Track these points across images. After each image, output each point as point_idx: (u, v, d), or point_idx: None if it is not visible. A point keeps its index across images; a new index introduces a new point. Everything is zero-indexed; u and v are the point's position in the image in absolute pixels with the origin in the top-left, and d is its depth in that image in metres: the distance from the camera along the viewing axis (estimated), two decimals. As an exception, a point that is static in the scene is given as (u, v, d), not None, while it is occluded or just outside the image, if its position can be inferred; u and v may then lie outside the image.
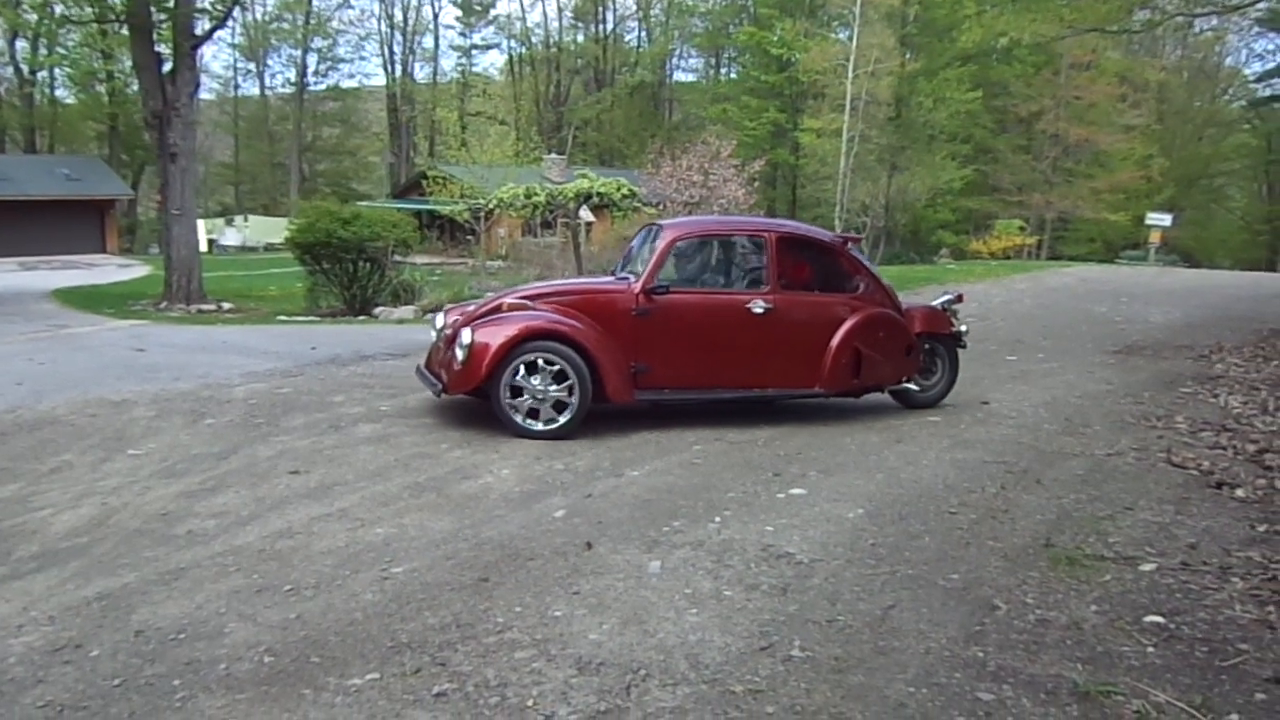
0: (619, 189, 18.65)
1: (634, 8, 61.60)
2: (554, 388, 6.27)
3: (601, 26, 61.63)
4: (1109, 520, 4.65)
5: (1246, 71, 57.33)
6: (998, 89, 44.92)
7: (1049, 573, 3.92)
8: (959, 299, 8.09)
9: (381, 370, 9.03)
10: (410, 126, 60.48)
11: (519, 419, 6.25)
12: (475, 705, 2.79)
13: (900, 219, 39.55)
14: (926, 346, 7.52)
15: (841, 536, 4.33)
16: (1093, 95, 43.39)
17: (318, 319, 15.79)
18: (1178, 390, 8.44)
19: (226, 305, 18.44)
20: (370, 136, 66.26)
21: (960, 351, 7.78)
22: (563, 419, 6.29)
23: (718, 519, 4.55)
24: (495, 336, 6.25)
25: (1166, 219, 38.43)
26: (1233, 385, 8.65)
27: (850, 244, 7.60)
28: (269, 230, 42.52)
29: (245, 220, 47.06)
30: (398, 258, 17.76)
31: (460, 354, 6.30)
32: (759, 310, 6.73)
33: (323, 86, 62.08)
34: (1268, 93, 55.84)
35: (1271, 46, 54.74)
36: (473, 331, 6.33)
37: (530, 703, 2.80)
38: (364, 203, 35.87)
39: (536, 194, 18.80)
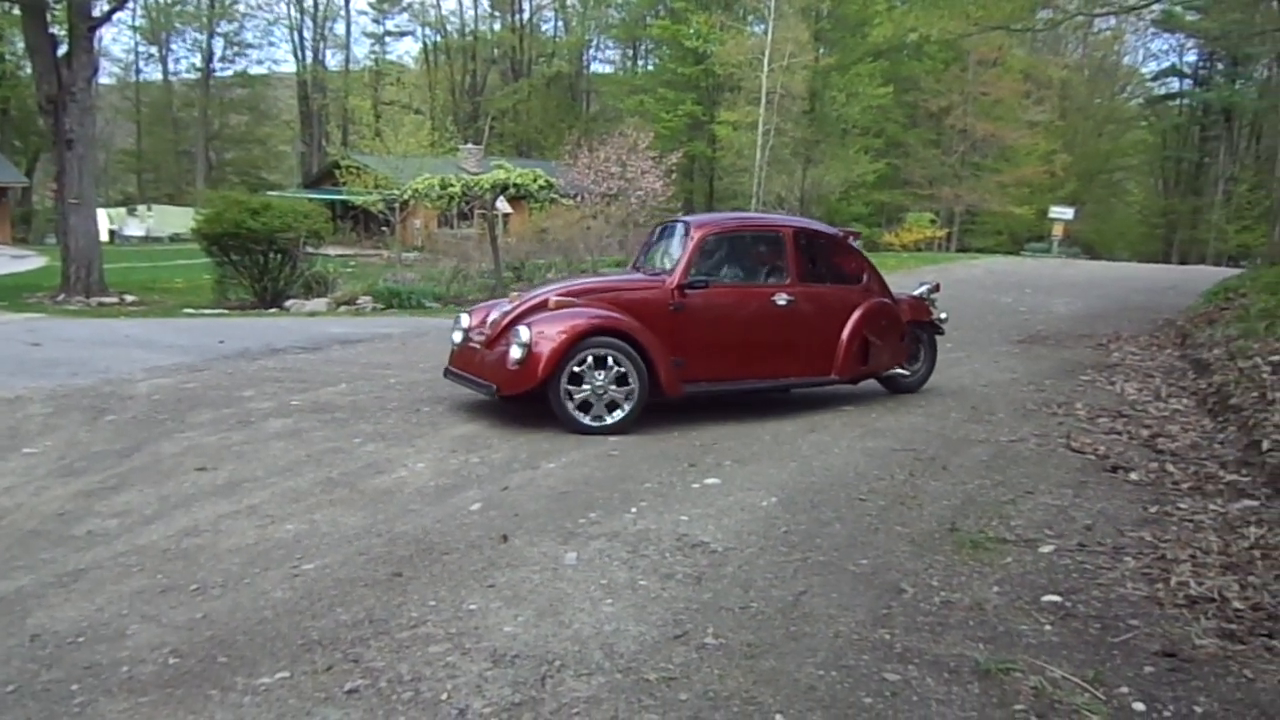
0: (536, 180, 18.53)
1: (551, -3, 61.24)
2: (613, 384, 6.25)
3: (518, 16, 61.14)
4: (1011, 504, 4.80)
5: (1143, 70, 59.79)
6: (908, 84, 45.89)
7: (954, 556, 4.04)
8: (937, 288, 8.49)
9: (293, 364, 8.84)
10: (322, 115, 59.19)
11: (578, 415, 6.20)
12: (388, 701, 2.77)
13: (815, 212, 40.13)
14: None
15: (755, 525, 4.39)
16: (999, 92, 44.71)
17: (226, 312, 15.41)
18: (1078, 378, 8.76)
19: (129, 298, 17.87)
20: (280, 125, 64.73)
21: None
22: (621, 414, 6.28)
23: (633, 510, 4.57)
24: (555, 334, 6.15)
25: (1069, 212, 39.87)
26: (1129, 373, 9.01)
27: (851, 238, 7.96)
28: (175, 220, 41.21)
29: (149, 210, 45.50)
30: (310, 249, 17.44)
31: (517, 353, 6.15)
32: (782, 302, 6.94)
33: (230, 72, 60.44)
34: (1163, 91, 58.26)
35: (1166, 46, 57.03)
36: (530, 329, 6.20)
37: (444, 696, 2.79)
38: (274, 192, 35.08)
39: (452, 185, 18.57)
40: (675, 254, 6.95)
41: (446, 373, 7.08)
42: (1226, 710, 2.80)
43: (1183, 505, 4.78)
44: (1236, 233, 46.54)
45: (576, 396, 6.20)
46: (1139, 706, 2.81)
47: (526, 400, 6.39)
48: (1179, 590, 3.66)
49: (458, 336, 7.06)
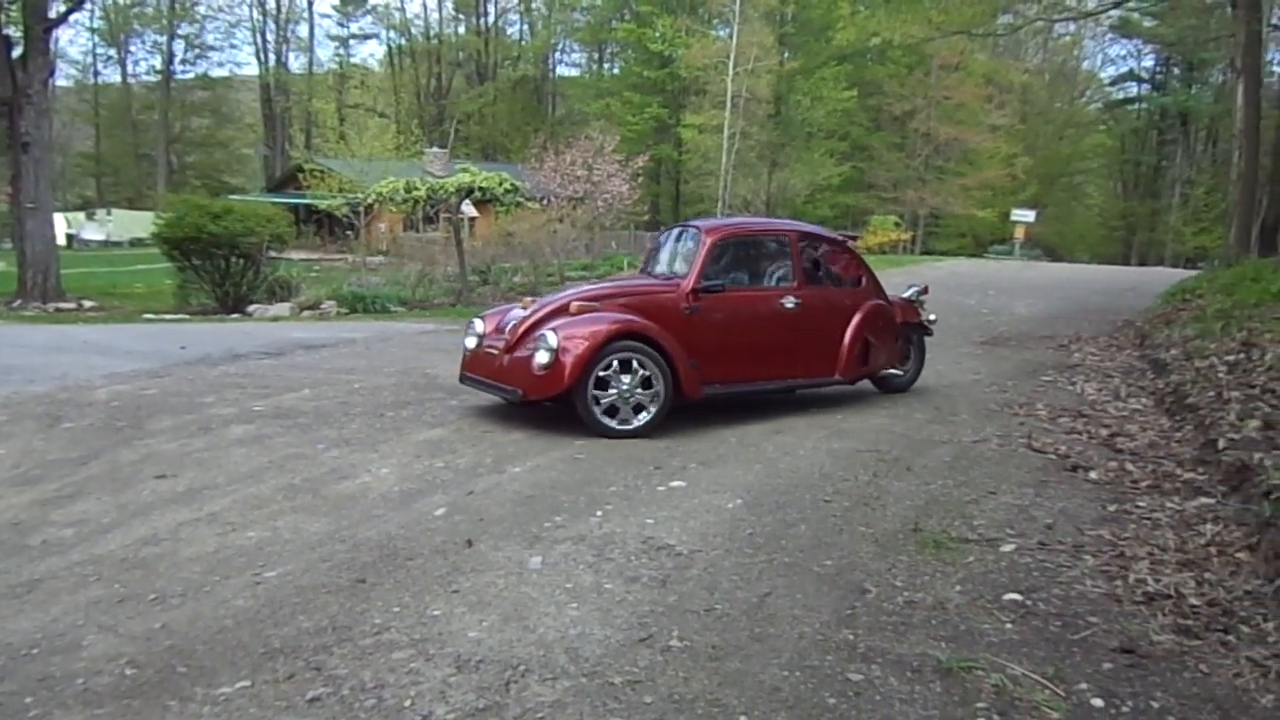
0: (502, 183, 18.48)
1: (515, 1, 61.10)
2: (639, 387, 6.27)
3: (483, 19, 60.96)
4: (973, 504, 4.85)
5: (1102, 75, 60.74)
6: (872, 88, 46.33)
7: (917, 556, 4.07)
8: (925, 290, 8.73)
9: (256, 370, 8.75)
10: (285, 118, 58.78)
11: (603, 419, 6.20)
12: (351, 709, 2.74)
13: (781, 215, 40.37)
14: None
15: (720, 527, 4.40)
16: (961, 96, 45.22)
17: (188, 317, 15.23)
18: (1039, 379, 8.86)
19: (88, 303, 17.64)
20: (243, 128, 64.06)
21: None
22: (646, 417, 6.31)
23: (599, 513, 4.56)
24: (582, 338, 6.14)
25: (1030, 215, 40.34)
26: (1089, 373, 9.13)
27: (850, 242, 8.19)
28: (135, 224, 40.70)
29: (108, 214, 44.88)
30: (273, 253, 17.29)
31: (544, 357, 6.13)
32: (790, 305, 7.06)
33: (191, 75, 59.74)
34: (1121, 95, 59.22)
35: (1124, 52, 57.94)
36: (557, 334, 6.18)
37: (408, 703, 2.77)
38: (237, 196, 34.70)
39: (417, 188, 18.47)
40: (686, 259, 7.05)
41: (463, 378, 7.06)
42: (1183, 705, 2.84)
43: (1141, 503, 4.84)
44: (1194, 235, 47.38)
45: (602, 400, 6.22)
46: (1098, 703, 2.84)
47: (528, 405, 6.44)
48: (1137, 587, 3.71)
49: (471, 342, 7.04)
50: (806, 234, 7.62)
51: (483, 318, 7.25)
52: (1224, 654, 3.16)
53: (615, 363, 6.20)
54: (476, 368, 6.90)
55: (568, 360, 6.09)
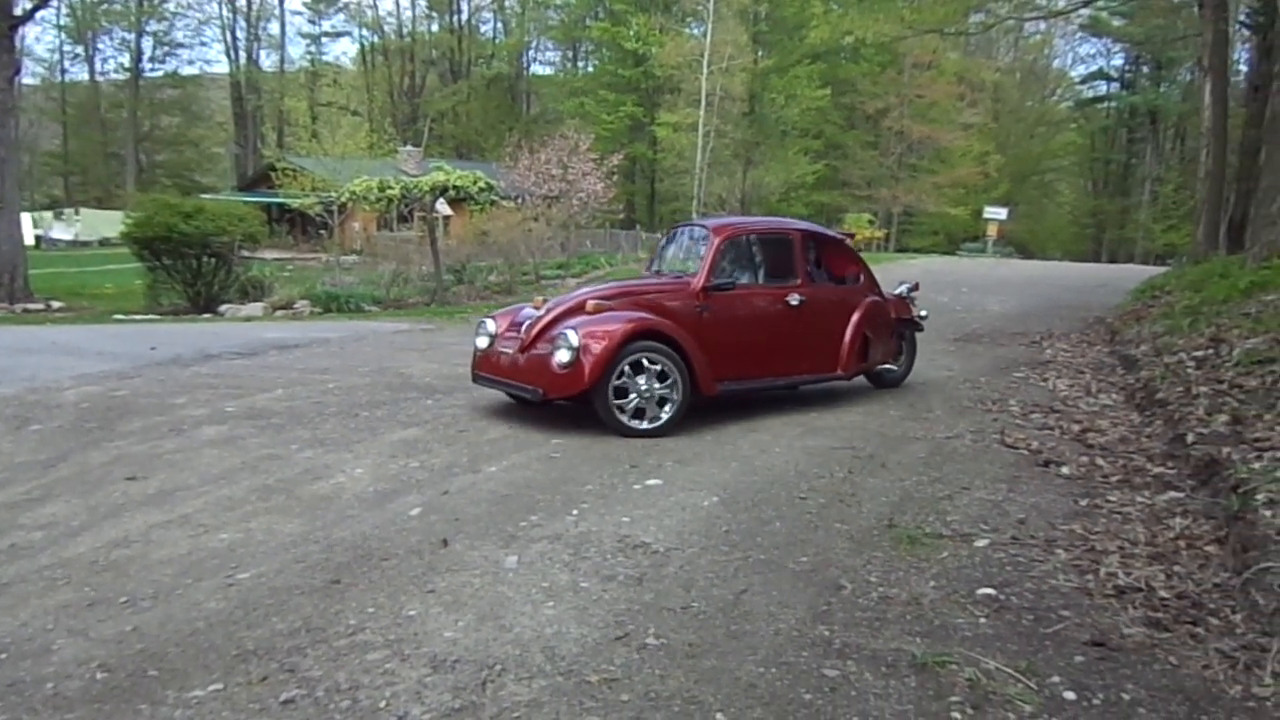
0: (476, 182, 18.42)
1: (489, -2, 60.92)
2: (657, 386, 6.30)
3: (456, 17, 60.68)
4: (947, 500, 4.88)
5: (1072, 74, 61.32)
6: (846, 87, 46.54)
7: (892, 552, 4.09)
8: (916, 287, 8.88)
9: (228, 370, 8.67)
10: (257, 116, 58.19)
11: (624, 419, 6.20)
12: (325, 710, 2.72)
13: (756, 213, 40.48)
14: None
15: (696, 525, 4.40)
16: (934, 94, 45.58)
17: (159, 317, 15.09)
18: (1011, 375, 8.93)
19: (56, 304, 17.44)
20: (214, 126, 63.46)
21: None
22: (665, 415, 6.33)
23: (575, 512, 4.56)
24: (603, 337, 6.15)
25: (1002, 213, 40.73)
26: (1061, 369, 9.22)
27: (848, 239, 8.34)
28: (104, 224, 40.24)
29: (76, 213, 44.33)
30: (245, 253, 17.15)
31: (565, 356, 6.12)
32: (795, 303, 7.14)
33: (160, 73, 59.07)
34: (1091, 94, 59.81)
35: (1094, 50, 58.53)
36: (578, 332, 6.16)
37: (383, 704, 2.75)
38: (208, 195, 34.38)
39: (391, 187, 18.38)
40: (694, 257, 7.12)
41: (475, 378, 7.04)
42: (1153, 697, 2.87)
43: (1112, 498, 4.89)
44: (1163, 232, 47.90)
45: (621, 399, 6.22)
46: (1069, 695, 2.87)
47: (529, 405, 6.49)
48: (1108, 581, 3.74)
49: (483, 342, 7.01)
50: (809, 232, 7.72)
51: (493, 317, 7.25)
52: (1193, 646, 3.20)
53: (634, 361, 6.22)
54: (489, 367, 6.88)
55: (588, 359, 6.10)
